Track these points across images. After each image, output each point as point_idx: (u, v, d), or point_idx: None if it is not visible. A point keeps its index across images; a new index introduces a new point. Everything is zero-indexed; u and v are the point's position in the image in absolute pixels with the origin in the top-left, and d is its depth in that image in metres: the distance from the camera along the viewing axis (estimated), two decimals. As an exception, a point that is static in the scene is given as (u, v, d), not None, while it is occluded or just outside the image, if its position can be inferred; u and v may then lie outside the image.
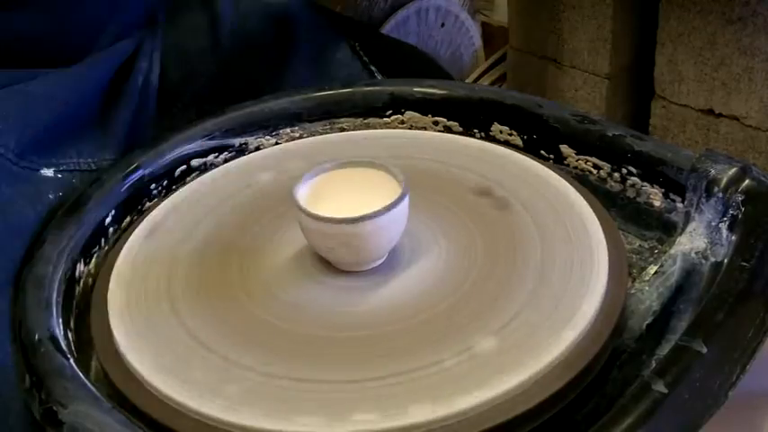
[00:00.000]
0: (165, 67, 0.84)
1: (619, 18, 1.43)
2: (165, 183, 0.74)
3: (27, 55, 0.77)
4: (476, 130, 0.78)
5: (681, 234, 0.62)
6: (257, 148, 0.78)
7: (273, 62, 0.84)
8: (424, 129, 0.79)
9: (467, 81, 1.70)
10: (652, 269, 0.62)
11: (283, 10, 0.91)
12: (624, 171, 0.70)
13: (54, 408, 0.51)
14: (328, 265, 0.62)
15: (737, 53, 1.30)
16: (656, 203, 0.69)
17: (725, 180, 0.61)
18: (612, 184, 0.71)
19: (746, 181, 0.61)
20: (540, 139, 0.74)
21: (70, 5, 0.78)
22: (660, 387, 0.49)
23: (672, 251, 0.61)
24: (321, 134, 0.79)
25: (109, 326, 0.59)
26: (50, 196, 0.70)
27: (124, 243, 0.66)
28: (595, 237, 0.62)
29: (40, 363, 0.55)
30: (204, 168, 0.76)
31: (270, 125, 0.79)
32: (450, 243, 0.63)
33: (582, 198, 0.66)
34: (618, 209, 0.70)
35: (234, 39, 0.88)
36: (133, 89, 0.81)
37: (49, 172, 0.72)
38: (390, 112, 0.80)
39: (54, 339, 0.56)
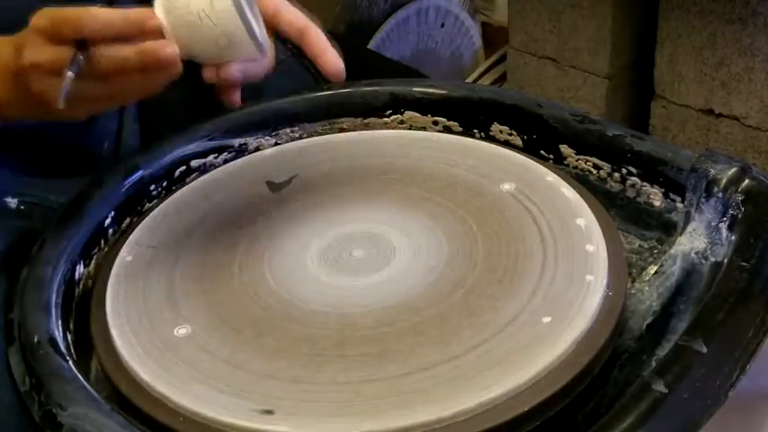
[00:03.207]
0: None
1: (619, 18, 1.43)
2: (165, 184, 0.74)
3: None
4: (475, 131, 0.78)
5: (681, 234, 0.62)
6: (257, 149, 0.78)
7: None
8: (424, 129, 0.79)
9: (467, 81, 1.70)
10: (652, 269, 0.62)
11: None
12: (624, 171, 0.70)
13: (53, 410, 0.51)
14: (330, 265, 0.62)
15: (737, 53, 1.30)
16: (656, 203, 0.69)
17: (725, 180, 0.61)
18: (612, 184, 0.71)
19: (746, 181, 0.61)
20: (540, 139, 0.74)
21: None
22: (660, 387, 0.49)
23: (672, 251, 0.61)
24: (321, 134, 0.79)
25: (108, 327, 0.59)
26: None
27: (123, 244, 0.66)
28: (595, 237, 0.62)
29: (40, 365, 0.55)
30: (204, 169, 0.76)
31: (269, 125, 0.79)
32: (451, 244, 0.63)
33: (582, 198, 0.66)
34: (618, 209, 0.70)
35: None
36: (98, 151, 0.81)
37: (13, 202, 0.72)
38: (390, 112, 0.80)
39: (53, 341, 0.56)
